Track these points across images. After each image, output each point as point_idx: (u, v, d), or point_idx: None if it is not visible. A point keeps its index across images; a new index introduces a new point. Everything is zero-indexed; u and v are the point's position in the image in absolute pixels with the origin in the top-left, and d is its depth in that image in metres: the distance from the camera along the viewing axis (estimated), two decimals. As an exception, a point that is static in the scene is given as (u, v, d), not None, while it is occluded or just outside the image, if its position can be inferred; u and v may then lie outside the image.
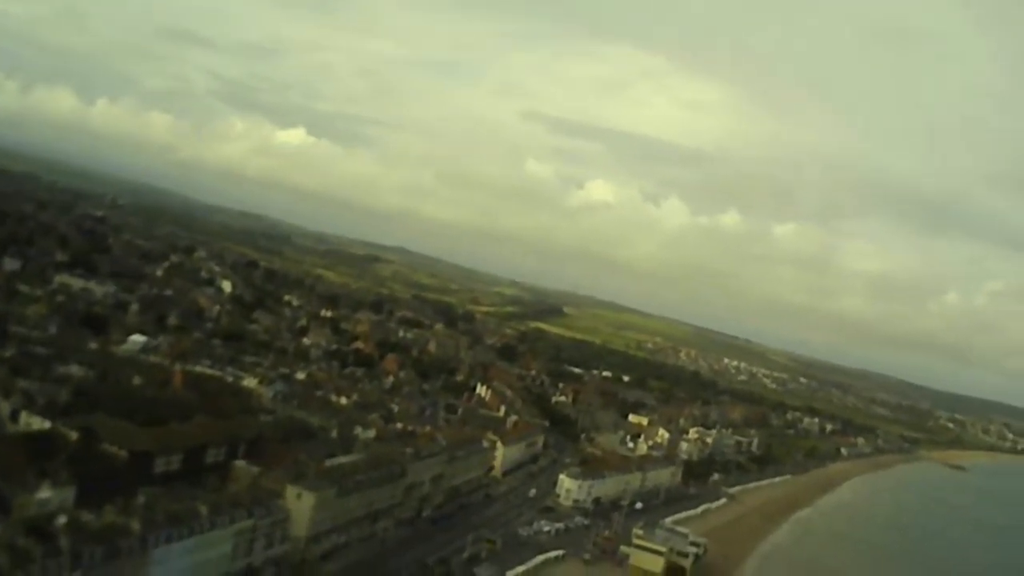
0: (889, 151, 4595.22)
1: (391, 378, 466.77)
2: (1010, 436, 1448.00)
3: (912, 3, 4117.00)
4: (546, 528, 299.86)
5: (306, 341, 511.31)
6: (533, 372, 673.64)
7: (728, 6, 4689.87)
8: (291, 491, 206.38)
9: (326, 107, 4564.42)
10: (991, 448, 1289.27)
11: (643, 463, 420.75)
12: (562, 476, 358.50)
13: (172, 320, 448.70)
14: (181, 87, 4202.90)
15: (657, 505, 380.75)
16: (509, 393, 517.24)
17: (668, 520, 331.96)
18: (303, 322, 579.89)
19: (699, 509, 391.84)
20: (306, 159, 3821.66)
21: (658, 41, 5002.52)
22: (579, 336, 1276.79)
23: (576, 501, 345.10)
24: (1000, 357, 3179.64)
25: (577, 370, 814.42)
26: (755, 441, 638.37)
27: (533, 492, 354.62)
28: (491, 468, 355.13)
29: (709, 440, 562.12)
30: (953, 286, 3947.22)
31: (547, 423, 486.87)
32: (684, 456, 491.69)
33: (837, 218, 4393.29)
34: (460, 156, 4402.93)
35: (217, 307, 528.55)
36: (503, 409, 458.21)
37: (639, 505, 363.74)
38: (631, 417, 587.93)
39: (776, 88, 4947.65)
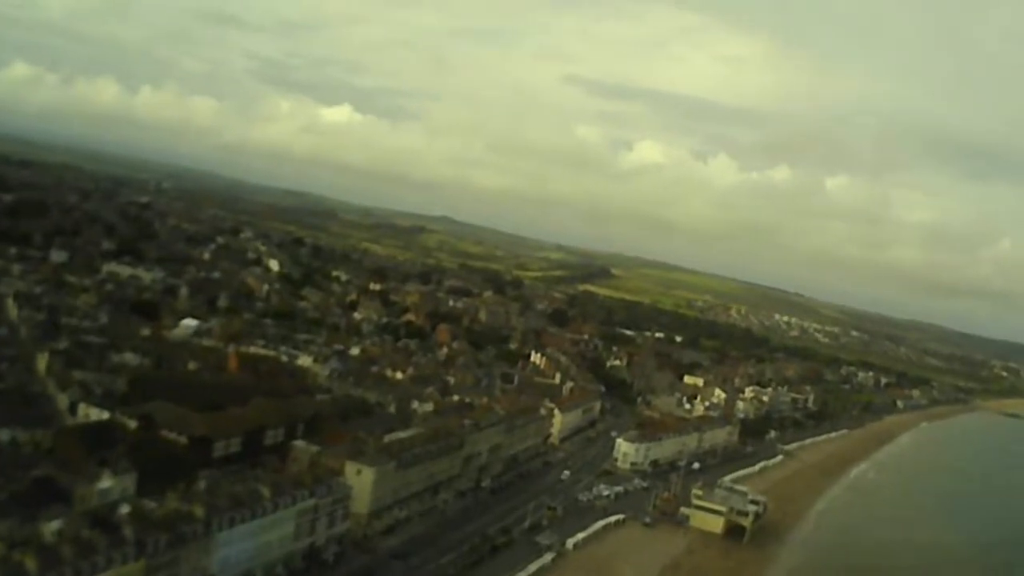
0: (936, 98, 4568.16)
1: (444, 349, 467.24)
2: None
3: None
4: (605, 492, 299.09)
5: (357, 316, 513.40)
6: (586, 336, 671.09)
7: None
8: (351, 468, 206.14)
9: (367, 82, 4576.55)
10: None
11: (700, 424, 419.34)
12: (619, 440, 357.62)
13: (222, 302, 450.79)
14: (220, 70, 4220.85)
15: (714, 465, 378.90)
16: (563, 359, 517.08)
17: (726, 479, 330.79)
18: (352, 297, 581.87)
19: (756, 467, 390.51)
20: (353, 135, 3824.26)
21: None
22: (628, 297, 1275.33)
23: (633, 464, 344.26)
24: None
25: (629, 332, 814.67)
26: (810, 397, 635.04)
27: (591, 457, 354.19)
28: (549, 435, 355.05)
29: (765, 398, 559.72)
30: (1006, 232, 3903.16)
31: (603, 388, 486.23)
32: (740, 415, 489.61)
33: (887, 169, 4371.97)
34: (506, 124, 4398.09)
35: (266, 286, 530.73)
36: (558, 376, 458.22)
37: (696, 465, 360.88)
38: (686, 378, 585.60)
39: (816, 39, 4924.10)
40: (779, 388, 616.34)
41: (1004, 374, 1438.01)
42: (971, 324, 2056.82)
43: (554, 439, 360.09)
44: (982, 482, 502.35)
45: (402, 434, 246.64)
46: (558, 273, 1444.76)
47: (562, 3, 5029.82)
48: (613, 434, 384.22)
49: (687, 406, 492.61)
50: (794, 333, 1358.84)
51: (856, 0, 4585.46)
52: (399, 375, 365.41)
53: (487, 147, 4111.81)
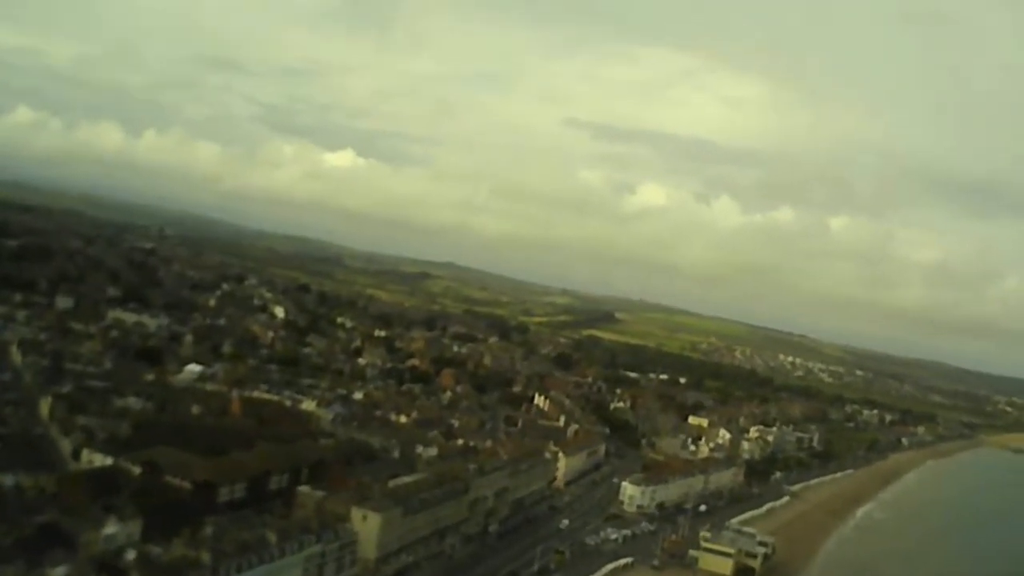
0: (937, 135, 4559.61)
1: (448, 393, 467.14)
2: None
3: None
4: (613, 536, 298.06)
5: (361, 361, 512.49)
6: (590, 379, 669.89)
7: (761, 1, 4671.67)
8: (357, 513, 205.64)
9: (368, 125, 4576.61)
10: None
11: (705, 465, 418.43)
12: (625, 483, 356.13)
13: (227, 348, 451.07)
14: (223, 115, 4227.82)
15: (721, 506, 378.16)
16: (567, 402, 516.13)
17: (734, 521, 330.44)
18: (357, 343, 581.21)
19: (763, 508, 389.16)
20: (356, 180, 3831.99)
21: (692, 40, 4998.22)
22: (633, 341, 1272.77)
23: (640, 507, 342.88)
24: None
25: (633, 375, 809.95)
26: (815, 436, 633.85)
27: (597, 501, 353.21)
28: (554, 479, 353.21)
29: (770, 438, 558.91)
30: (1010, 270, 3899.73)
31: (607, 430, 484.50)
32: (746, 455, 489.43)
33: (890, 207, 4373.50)
34: (509, 169, 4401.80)
35: (271, 333, 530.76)
36: (562, 419, 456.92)
37: (703, 507, 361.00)
38: (691, 419, 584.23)
39: (816, 79, 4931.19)
40: (784, 427, 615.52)
41: (1008, 409, 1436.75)
42: (974, 361, 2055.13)
43: (559, 483, 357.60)
44: (990, 518, 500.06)
45: (407, 479, 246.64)
46: (563, 318, 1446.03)
47: (561, 47, 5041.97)
48: (615, 479, 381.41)
49: (692, 447, 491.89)
50: (798, 373, 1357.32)
51: (855, 39, 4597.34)
52: (403, 419, 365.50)
53: (491, 192, 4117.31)
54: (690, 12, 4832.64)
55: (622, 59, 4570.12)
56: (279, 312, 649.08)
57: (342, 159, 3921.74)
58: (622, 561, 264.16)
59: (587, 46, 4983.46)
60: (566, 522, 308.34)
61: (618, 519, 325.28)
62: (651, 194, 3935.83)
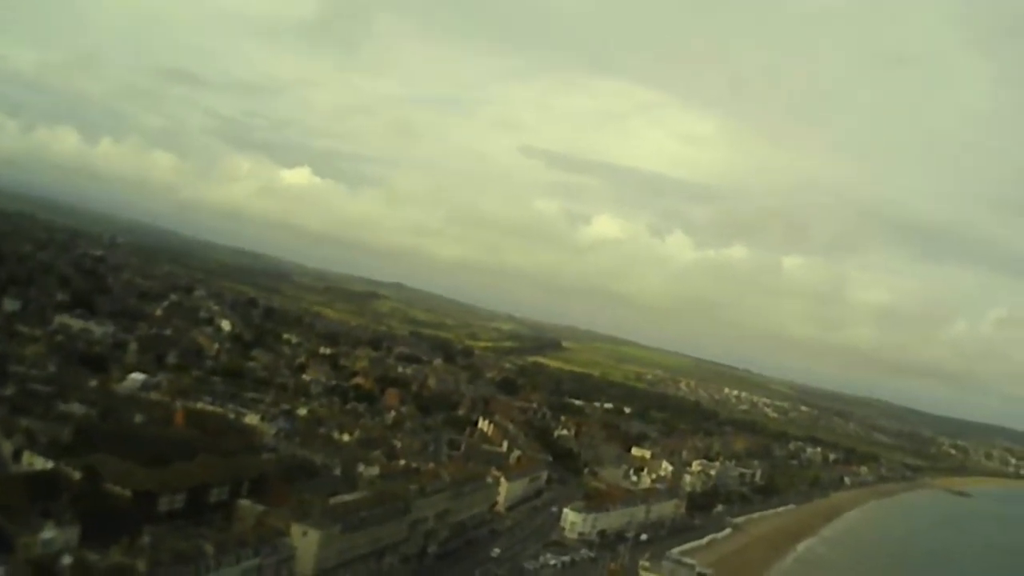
0: (890, 179, 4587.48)
1: (392, 413, 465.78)
2: (1013, 461, 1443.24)
3: (908, 29, 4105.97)
4: (552, 561, 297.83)
5: (306, 377, 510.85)
6: (534, 405, 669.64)
7: (719, 37, 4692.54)
8: (296, 529, 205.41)
9: (325, 144, 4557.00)
10: (994, 474, 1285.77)
11: (647, 496, 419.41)
12: (566, 509, 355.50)
13: (171, 359, 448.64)
14: (180, 126, 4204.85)
15: (663, 536, 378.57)
16: (511, 427, 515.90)
17: (675, 551, 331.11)
18: (302, 359, 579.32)
19: (704, 540, 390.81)
20: (312, 199, 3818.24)
21: (652, 74, 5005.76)
22: (578, 369, 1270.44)
23: (581, 534, 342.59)
24: (1003, 383, 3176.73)
25: (578, 402, 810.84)
26: (758, 472, 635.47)
27: (537, 526, 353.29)
28: (495, 503, 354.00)
29: (712, 472, 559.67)
30: (960, 314, 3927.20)
31: (550, 457, 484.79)
32: (688, 488, 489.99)
33: (842, 249, 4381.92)
34: (465, 194, 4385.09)
35: (216, 345, 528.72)
36: (505, 444, 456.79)
37: (644, 536, 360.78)
38: (634, 450, 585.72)
39: (773, 119, 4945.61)
40: (727, 462, 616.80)
41: (952, 452, 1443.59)
42: (919, 402, 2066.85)
43: (500, 507, 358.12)
44: (928, 558, 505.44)
45: (348, 497, 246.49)
46: (508, 344, 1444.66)
47: (518, 75, 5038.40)
48: (554, 509, 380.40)
49: (634, 478, 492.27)
50: (743, 407, 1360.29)
51: (809, 83, 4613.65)
52: (346, 437, 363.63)
53: (446, 217, 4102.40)
54: (647, 46, 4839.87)
55: (579, 89, 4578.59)
56: (225, 325, 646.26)
57: (298, 176, 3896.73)
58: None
59: (545, 74, 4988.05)
60: (497, 551, 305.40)
61: (558, 545, 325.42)
62: (605, 226, 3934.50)
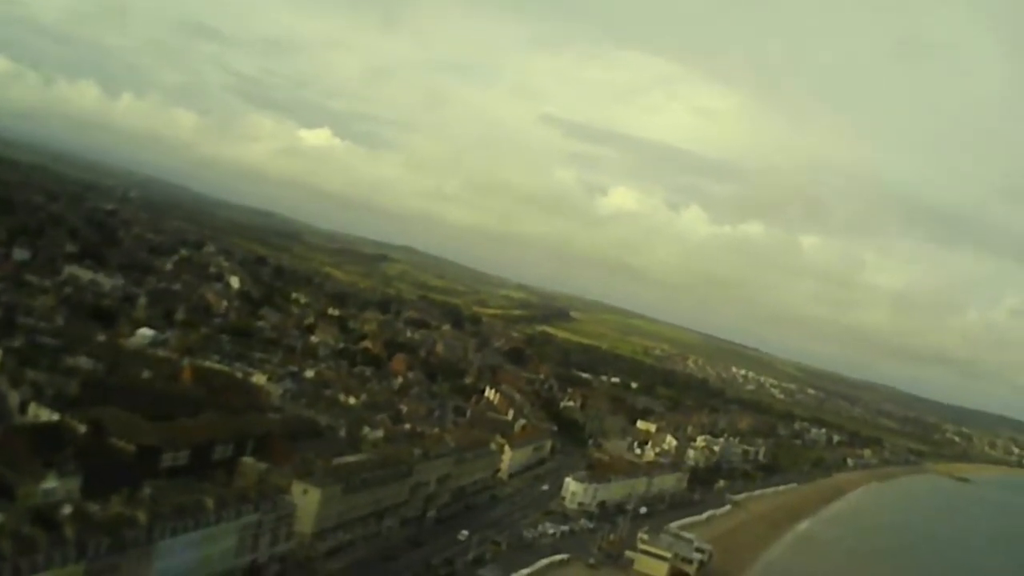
0: (908, 163, 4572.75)
1: (399, 379, 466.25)
2: (1016, 450, 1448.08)
3: (927, 14, 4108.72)
4: (551, 531, 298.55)
5: (314, 339, 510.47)
6: (542, 376, 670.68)
7: (741, 14, 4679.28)
8: (297, 487, 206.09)
9: (344, 106, 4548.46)
10: (997, 462, 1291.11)
11: (650, 469, 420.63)
12: (568, 479, 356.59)
13: (180, 315, 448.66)
14: (199, 83, 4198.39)
15: (662, 510, 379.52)
16: (517, 396, 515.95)
17: (673, 525, 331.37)
18: (310, 320, 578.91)
19: (704, 515, 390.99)
20: (331, 160, 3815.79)
21: (671, 47, 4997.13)
22: (586, 341, 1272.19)
23: (581, 504, 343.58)
24: (1013, 372, 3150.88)
25: (585, 375, 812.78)
26: (762, 450, 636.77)
27: (538, 495, 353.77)
28: (498, 470, 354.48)
29: (716, 448, 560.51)
30: (972, 302, 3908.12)
31: (555, 427, 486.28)
32: (691, 463, 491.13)
33: (859, 231, 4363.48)
34: (484, 160, 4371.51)
35: (225, 303, 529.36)
36: (511, 412, 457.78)
37: (644, 509, 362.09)
38: (639, 423, 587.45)
39: (789, 97, 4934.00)
40: (731, 439, 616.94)
41: (956, 439, 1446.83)
42: (927, 388, 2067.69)
43: (503, 474, 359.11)
44: (926, 541, 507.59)
45: (351, 458, 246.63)
46: (518, 312, 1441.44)
47: (539, 44, 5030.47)
48: (559, 476, 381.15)
49: (638, 451, 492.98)
50: (750, 387, 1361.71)
51: (827, 63, 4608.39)
52: (352, 400, 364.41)
53: (463, 183, 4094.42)
54: (669, 19, 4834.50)
55: (599, 60, 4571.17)
56: (234, 282, 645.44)
57: (318, 137, 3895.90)
58: (558, 557, 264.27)
59: (565, 44, 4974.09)
60: (465, 532, 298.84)
61: (558, 515, 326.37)
62: (622, 197, 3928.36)
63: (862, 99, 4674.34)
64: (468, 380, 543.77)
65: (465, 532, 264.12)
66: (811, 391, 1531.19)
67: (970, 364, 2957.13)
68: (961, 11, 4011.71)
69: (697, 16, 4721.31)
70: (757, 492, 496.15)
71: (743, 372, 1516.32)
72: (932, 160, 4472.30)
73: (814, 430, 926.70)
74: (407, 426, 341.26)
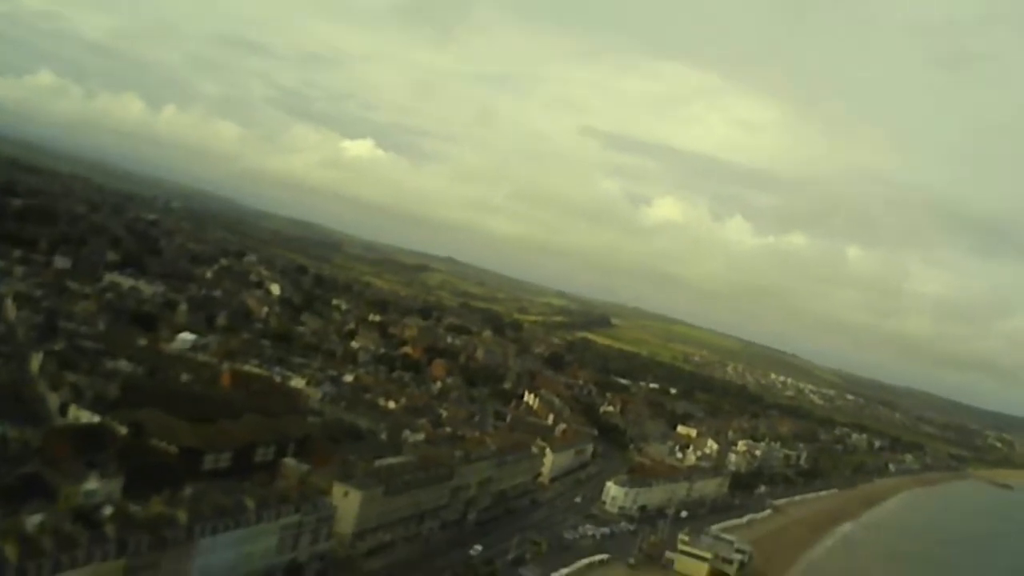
0: (946, 173, 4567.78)
1: (439, 384, 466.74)
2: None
3: (966, 26, 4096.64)
4: (591, 532, 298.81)
5: (354, 344, 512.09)
6: (581, 382, 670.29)
7: (778, 27, 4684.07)
8: (338, 489, 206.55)
9: (384, 118, 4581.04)
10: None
11: (691, 473, 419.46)
12: (609, 483, 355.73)
13: (221, 320, 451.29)
14: (241, 95, 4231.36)
15: (703, 514, 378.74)
16: (557, 401, 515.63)
17: (714, 528, 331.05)
18: (351, 326, 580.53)
19: (744, 519, 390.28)
20: (373, 171, 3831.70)
21: (711, 59, 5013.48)
22: (626, 347, 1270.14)
23: (622, 508, 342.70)
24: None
25: (624, 381, 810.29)
26: (803, 455, 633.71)
27: (579, 499, 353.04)
28: (539, 474, 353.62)
29: (758, 453, 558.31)
30: (1016, 310, 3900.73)
31: (595, 432, 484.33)
32: (732, 468, 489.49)
33: (902, 240, 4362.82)
34: (525, 172, 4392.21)
35: (266, 309, 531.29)
36: (551, 417, 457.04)
37: (684, 514, 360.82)
38: (679, 428, 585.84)
39: (830, 108, 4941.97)
40: (772, 444, 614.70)
41: (998, 444, 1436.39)
42: (966, 394, 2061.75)
43: (544, 478, 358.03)
44: (967, 547, 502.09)
45: (392, 460, 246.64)
46: (558, 319, 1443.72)
47: (579, 56, 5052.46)
48: (600, 480, 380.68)
49: (679, 455, 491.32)
50: (789, 393, 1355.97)
51: (866, 75, 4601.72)
52: (392, 404, 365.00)
53: (508, 194, 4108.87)
54: (709, 32, 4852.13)
55: (640, 72, 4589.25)
56: (275, 289, 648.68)
57: (361, 148, 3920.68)
58: (597, 557, 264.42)
59: (606, 56, 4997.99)
60: (479, 548, 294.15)
61: (599, 518, 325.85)
62: (668, 208, 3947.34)
63: (902, 110, 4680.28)
64: (507, 385, 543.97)
65: (479, 547, 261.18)
66: (850, 397, 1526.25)
67: (1012, 371, 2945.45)
68: (1001, 22, 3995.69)
69: (733, 28, 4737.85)
70: (798, 497, 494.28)
71: (781, 379, 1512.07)
72: (973, 171, 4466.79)
73: (855, 435, 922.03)
74: (447, 429, 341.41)
